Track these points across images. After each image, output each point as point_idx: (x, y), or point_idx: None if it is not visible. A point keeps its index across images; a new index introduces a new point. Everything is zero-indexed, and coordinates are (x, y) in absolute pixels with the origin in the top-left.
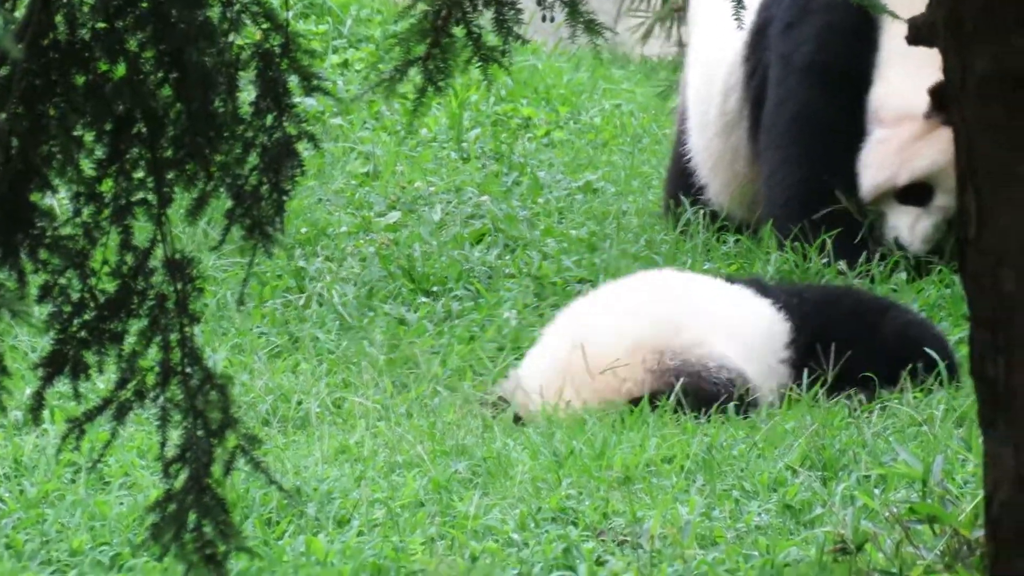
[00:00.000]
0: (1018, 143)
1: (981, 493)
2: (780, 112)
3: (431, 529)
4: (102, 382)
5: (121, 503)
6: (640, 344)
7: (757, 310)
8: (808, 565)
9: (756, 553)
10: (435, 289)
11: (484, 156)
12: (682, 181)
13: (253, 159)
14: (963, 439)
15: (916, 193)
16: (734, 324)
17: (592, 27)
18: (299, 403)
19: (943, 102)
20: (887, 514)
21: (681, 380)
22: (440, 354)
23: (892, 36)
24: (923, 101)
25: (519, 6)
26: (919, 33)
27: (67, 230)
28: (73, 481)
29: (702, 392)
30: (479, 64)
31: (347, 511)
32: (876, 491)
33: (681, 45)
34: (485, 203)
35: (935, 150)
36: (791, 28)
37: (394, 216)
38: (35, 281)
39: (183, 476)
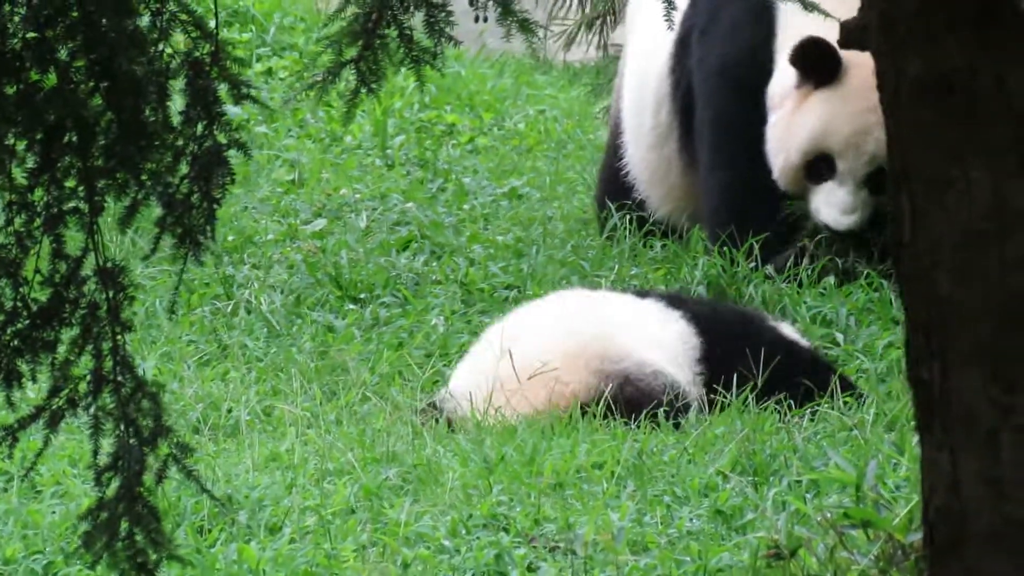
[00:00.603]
0: (950, 146)
1: (916, 497)
2: (703, 119)
3: (363, 536)
4: (32, 391)
5: (53, 511)
6: (578, 351)
7: (672, 324)
8: (742, 571)
9: (688, 559)
10: (362, 296)
11: (409, 163)
12: (620, 194)
13: (184, 168)
14: (894, 443)
15: (819, 167)
16: (655, 337)
17: (526, 26)
18: (229, 411)
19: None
20: (820, 519)
21: (625, 383)
22: (369, 361)
23: (786, 26)
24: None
25: (449, 8)
26: (851, 36)
27: None
28: (5, 490)
29: (645, 395)
30: (411, 66)
31: (279, 519)
32: (808, 496)
33: (606, 50)
34: (411, 210)
35: (812, 117)
36: (704, 35)
37: (320, 223)
38: None
39: (115, 484)
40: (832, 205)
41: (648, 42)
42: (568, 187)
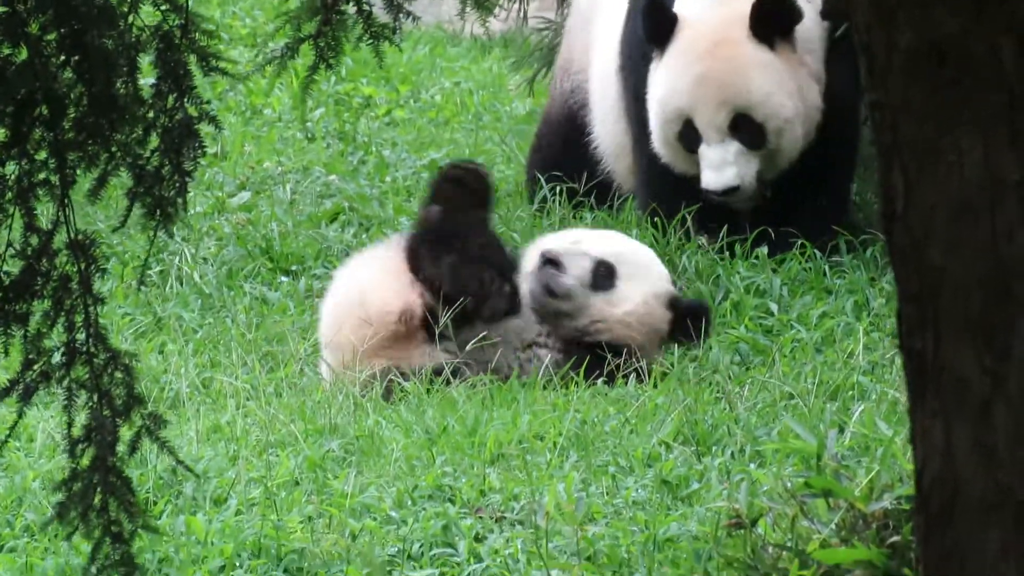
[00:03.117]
0: (942, 118)
1: (875, 467)
2: (633, 92)
3: (309, 508)
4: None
5: None
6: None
7: None
8: (703, 540)
9: (636, 528)
10: (294, 268)
11: (329, 135)
12: (588, 167)
13: (154, 140)
14: (835, 412)
15: (687, 135)
16: None
17: (481, 3)
18: (169, 383)
19: (832, 10)
20: (781, 489)
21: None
22: (304, 332)
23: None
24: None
25: None
26: (834, 8)
27: None
28: None
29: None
30: (370, 42)
31: (224, 490)
32: (751, 466)
33: (526, 20)
34: (334, 182)
35: (657, 84)
36: (633, 9)
37: (245, 196)
38: None
39: (88, 455)
40: (705, 167)
41: (611, 18)
42: (487, 159)
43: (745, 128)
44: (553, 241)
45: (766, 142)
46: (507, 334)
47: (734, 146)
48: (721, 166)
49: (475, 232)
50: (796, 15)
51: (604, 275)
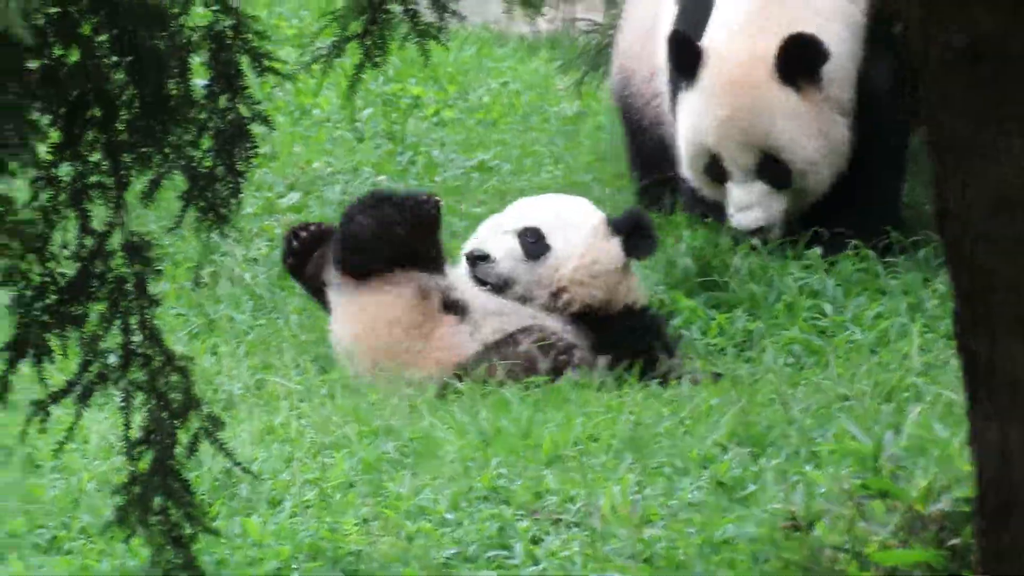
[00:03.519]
0: (980, 114)
1: (933, 468)
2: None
3: (364, 510)
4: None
5: (54, 486)
6: None
7: None
8: (760, 542)
9: (693, 530)
10: None
11: (377, 136)
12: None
13: (207, 141)
14: (891, 414)
15: (713, 169)
16: None
17: (528, 2)
18: (223, 385)
19: (887, 10)
20: (838, 490)
21: None
22: None
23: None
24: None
25: None
26: (887, 6)
27: (26, 215)
28: (5, 465)
29: None
30: (416, 40)
31: (279, 492)
32: (808, 467)
33: (572, 22)
34: (383, 183)
35: (684, 118)
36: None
37: (295, 197)
38: None
39: (147, 458)
40: (731, 204)
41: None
42: (535, 160)
43: (771, 169)
44: (479, 233)
45: (792, 183)
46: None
47: (760, 186)
48: (748, 207)
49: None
50: (822, 56)
51: (533, 242)
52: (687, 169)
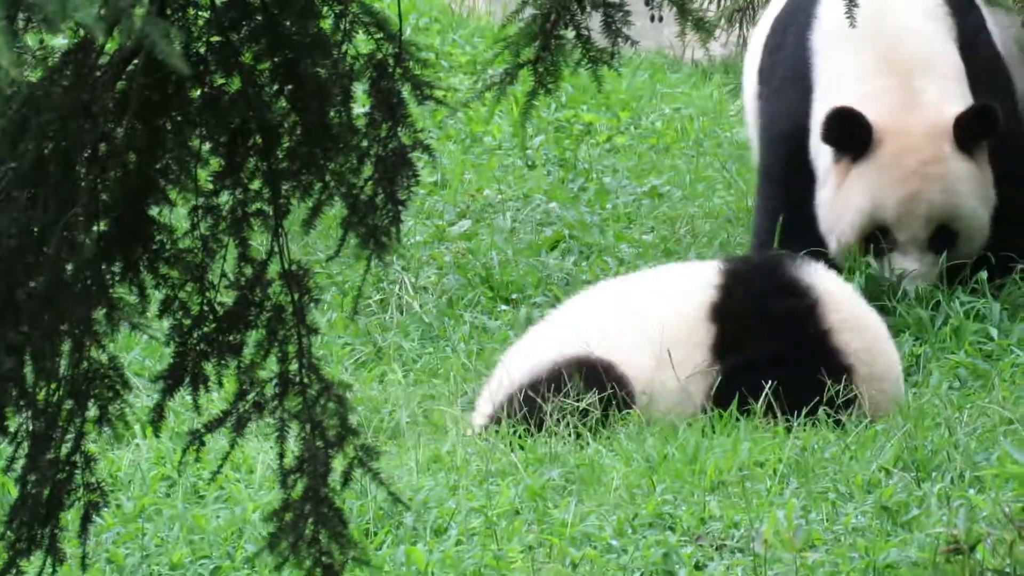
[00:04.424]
0: None
1: None
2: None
3: (529, 537)
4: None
5: (218, 516)
6: None
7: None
8: (919, 567)
9: (856, 555)
10: (514, 296)
11: (549, 163)
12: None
13: (368, 169)
14: None
15: (876, 240)
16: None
17: (701, 25)
18: (390, 413)
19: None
20: (1000, 514)
21: None
22: None
23: (822, 79)
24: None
25: (627, 7)
26: None
27: (185, 243)
28: (168, 495)
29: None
30: (589, 66)
31: (444, 520)
32: (971, 491)
33: (746, 45)
34: (554, 209)
35: (856, 194)
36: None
37: (465, 224)
38: (155, 295)
39: (300, 486)
40: (894, 273)
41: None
42: (708, 185)
43: (942, 238)
44: None
45: (957, 248)
46: None
47: (929, 257)
48: (920, 278)
49: None
50: (997, 122)
51: None
52: (835, 236)
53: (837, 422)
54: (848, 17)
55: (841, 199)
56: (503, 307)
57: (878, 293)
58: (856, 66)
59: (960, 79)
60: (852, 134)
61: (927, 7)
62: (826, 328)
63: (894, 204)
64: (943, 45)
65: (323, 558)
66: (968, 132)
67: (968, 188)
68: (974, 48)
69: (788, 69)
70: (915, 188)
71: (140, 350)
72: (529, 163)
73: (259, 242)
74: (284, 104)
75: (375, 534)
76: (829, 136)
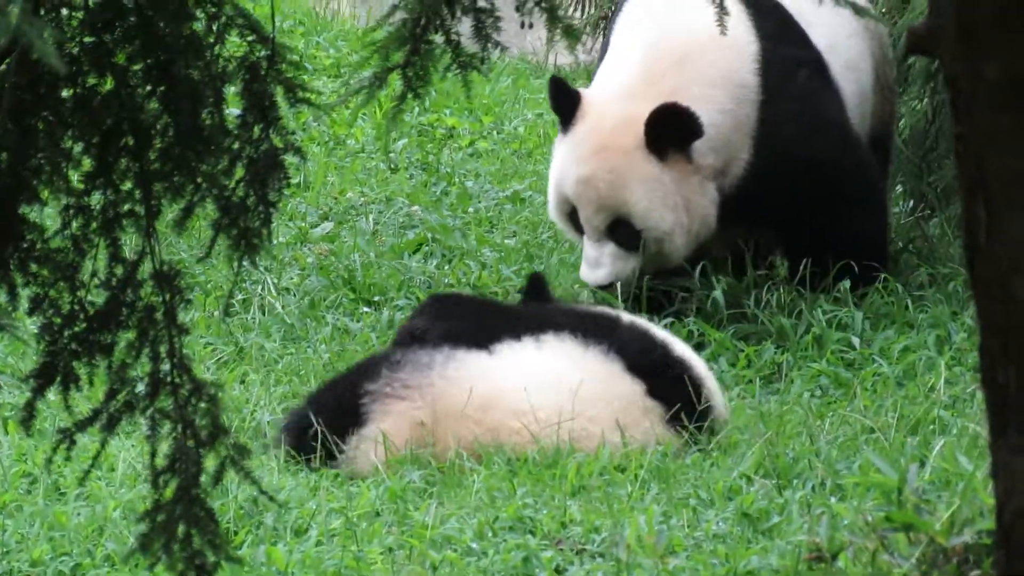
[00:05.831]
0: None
1: (956, 501)
2: None
3: (389, 539)
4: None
5: (78, 514)
6: None
7: None
8: (783, 574)
9: (717, 561)
10: (377, 299)
11: (412, 166)
12: None
13: (240, 171)
14: (916, 447)
15: (574, 219)
16: None
17: (570, 31)
18: (251, 413)
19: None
20: (862, 523)
21: None
22: None
23: (603, 66)
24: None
25: (498, 13)
26: (919, 42)
27: (56, 243)
28: (29, 492)
29: None
30: (458, 71)
31: (304, 521)
32: (832, 499)
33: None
34: (417, 213)
35: (553, 165)
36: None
37: (328, 226)
38: (25, 294)
39: (172, 486)
40: (583, 259)
41: None
42: None
43: (623, 232)
44: None
45: (644, 248)
46: None
47: (609, 247)
48: (595, 265)
49: None
50: (694, 131)
51: None
52: (552, 211)
53: None
54: (719, 25)
55: (551, 167)
56: (365, 309)
57: (739, 300)
58: (626, 55)
59: (730, 84)
60: (558, 101)
61: (734, 10)
62: None
63: (572, 182)
64: (724, 49)
65: (195, 558)
66: (655, 132)
67: (644, 188)
68: (776, 59)
69: (598, 62)
70: (589, 172)
71: (2, 347)
72: (392, 166)
73: (130, 242)
74: (157, 105)
75: (235, 533)
76: (551, 104)
